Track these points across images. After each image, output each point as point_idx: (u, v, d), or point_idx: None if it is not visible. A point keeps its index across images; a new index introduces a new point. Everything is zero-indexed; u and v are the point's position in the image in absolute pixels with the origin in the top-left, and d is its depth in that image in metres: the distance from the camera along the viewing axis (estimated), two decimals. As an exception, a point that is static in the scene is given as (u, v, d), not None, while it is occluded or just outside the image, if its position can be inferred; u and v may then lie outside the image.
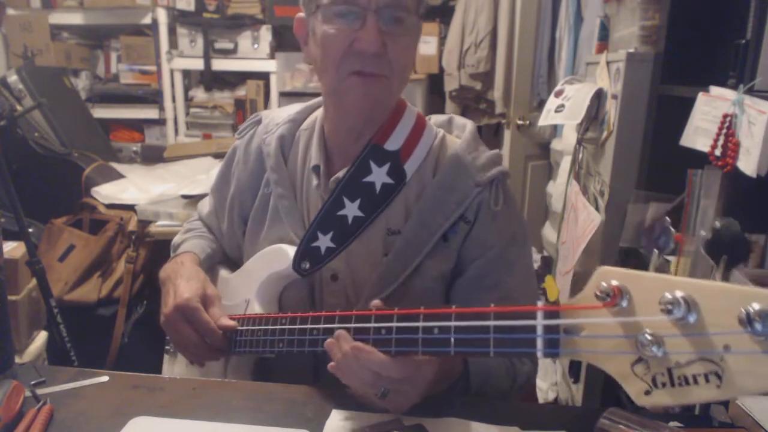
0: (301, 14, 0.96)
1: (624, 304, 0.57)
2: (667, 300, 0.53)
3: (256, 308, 0.98)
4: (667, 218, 0.77)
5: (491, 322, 0.66)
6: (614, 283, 0.57)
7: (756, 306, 0.49)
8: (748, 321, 0.49)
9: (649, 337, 0.54)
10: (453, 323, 0.69)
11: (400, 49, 0.89)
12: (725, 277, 0.63)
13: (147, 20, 3.46)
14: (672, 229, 0.74)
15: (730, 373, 0.51)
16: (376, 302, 0.80)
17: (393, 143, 0.96)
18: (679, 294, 0.53)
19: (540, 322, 0.63)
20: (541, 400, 2.23)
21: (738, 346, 0.50)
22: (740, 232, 0.66)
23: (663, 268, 1.56)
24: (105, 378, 0.91)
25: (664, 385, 0.54)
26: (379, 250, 0.96)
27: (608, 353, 0.58)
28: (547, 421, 0.82)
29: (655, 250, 0.74)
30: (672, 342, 0.54)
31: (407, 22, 0.89)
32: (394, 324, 0.73)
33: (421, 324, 0.71)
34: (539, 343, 0.63)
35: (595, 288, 0.58)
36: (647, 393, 0.55)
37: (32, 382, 0.87)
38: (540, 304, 0.64)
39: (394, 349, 0.73)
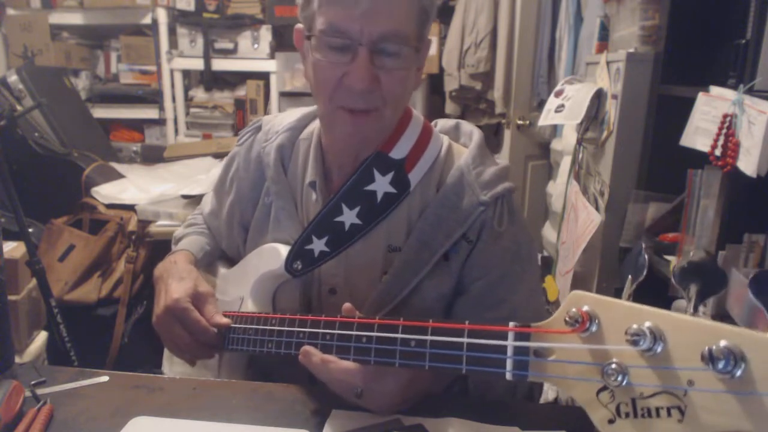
0: (301, 25, 0.92)
1: (593, 329, 0.56)
2: (633, 331, 0.52)
3: (249, 306, 0.98)
4: (643, 244, 0.78)
5: (465, 339, 0.66)
6: (584, 308, 0.56)
7: (722, 343, 0.48)
8: (710, 358, 0.48)
9: (614, 366, 0.54)
10: (429, 337, 0.69)
11: (394, 81, 0.85)
12: (697, 309, 0.63)
13: (147, 20, 3.46)
14: (646, 256, 0.75)
15: (693, 409, 0.50)
16: (347, 305, 0.81)
17: (398, 152, 0.94)
18: (646, 325, 0.52)
19: (510, 343, 0.63)
20: (541, 400, 2.22)
21: (702, 382, 0.50)
22: (717, 266, 0.66)
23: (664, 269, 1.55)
24: (105, 378, 0.91)
25: (627, 415, 0.54)
26: (378, 266, 0.95)
27: (575, 379, 0.58)
28: (547, 421, 0.82)
29: (629, 277, 0.74)
30: (637, 373, 0.53)
31: (403, 54, 0.84)
32: (375, 334, 0.74)
33: (399, 336, 0.72)
34: (509, 364, 0.63)
35: (565, 313, 0.58)
36: (611, 422, 0.55)
37: (32, 382, 0.87)
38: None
39: (373, 359, 0.74)
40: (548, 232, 2.74)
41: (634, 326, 0.52)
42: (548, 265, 2.67)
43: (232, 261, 1.13)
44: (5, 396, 0.78)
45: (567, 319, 0.57)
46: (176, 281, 0.98)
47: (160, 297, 0.98)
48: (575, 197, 2.08)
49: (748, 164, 1.19)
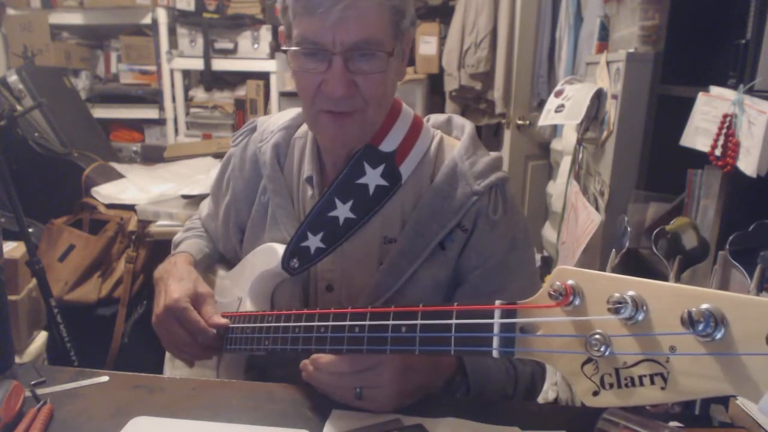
0: (283, 28, 0.93)
1: (577, 302, 0.56)
2: (615, 299, 0.52)
3: (248, 306, 0.98)
4: (626, 217, 0.78)
5: (453, 321, 0.67)
6: (569, 282, 0.56)
7: (702, 306, 0.47)
8: (690, 321, 0.47)
9: (597, 337, 0.53)
10: (419, 322, 0.70)
11: (372, 84, 0.87)
12: (679, 278, 0.62)
13: (147, 20, 3.46)
14: (628, 229, 0.74)
15: (675, 374, 0.50)
16: None
17: (388, 145, 0.95)
18: (628, 294, 0.52)
19: (497, 320, 0.63)
20: (541, 400, 2.22)
21: (683, 347, 0.49)
22: (699, 235, 0.66)
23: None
24: (105, 378, 0.91)
25: (611, 386, 0.54)
26: (374, 259, 0.95)
27: (560, 352, 0.58)
28: (547, 421, 0.82)
29: (613, 250, 0.74)
30: (619, 342, 0.53)
31: (379, 58, 0.86)
32: (367, 323, 0.75)
33: (390, 323, 0.72)
34: (495, 341, 0.63)
35: (549, 287, 0.58)
36: (595, 394, 0.55)
37: (32, 382, 0.87)
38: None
39: (366, 348, 0.74)
40: (548, 232, 2.74)
41: (616, 295, 0.52)
42: (548, 265, 2.67)
43: (231, 263, 1.13)
44: (5, 396, 0.78)
45: (551, 292, 0.57)
46: (176, 282, 0.99)
47: (159, 297, 0.99)
48: (575, 197, 2.08)
49: (748, 164, 1.19)
